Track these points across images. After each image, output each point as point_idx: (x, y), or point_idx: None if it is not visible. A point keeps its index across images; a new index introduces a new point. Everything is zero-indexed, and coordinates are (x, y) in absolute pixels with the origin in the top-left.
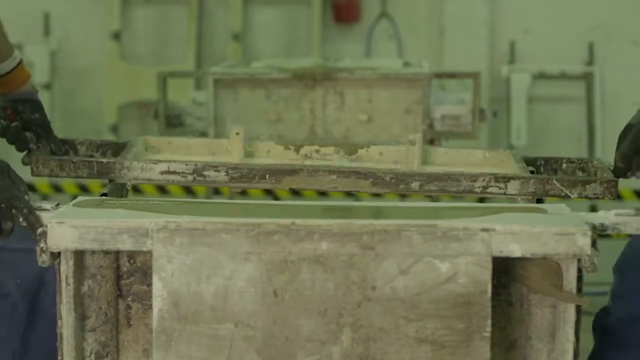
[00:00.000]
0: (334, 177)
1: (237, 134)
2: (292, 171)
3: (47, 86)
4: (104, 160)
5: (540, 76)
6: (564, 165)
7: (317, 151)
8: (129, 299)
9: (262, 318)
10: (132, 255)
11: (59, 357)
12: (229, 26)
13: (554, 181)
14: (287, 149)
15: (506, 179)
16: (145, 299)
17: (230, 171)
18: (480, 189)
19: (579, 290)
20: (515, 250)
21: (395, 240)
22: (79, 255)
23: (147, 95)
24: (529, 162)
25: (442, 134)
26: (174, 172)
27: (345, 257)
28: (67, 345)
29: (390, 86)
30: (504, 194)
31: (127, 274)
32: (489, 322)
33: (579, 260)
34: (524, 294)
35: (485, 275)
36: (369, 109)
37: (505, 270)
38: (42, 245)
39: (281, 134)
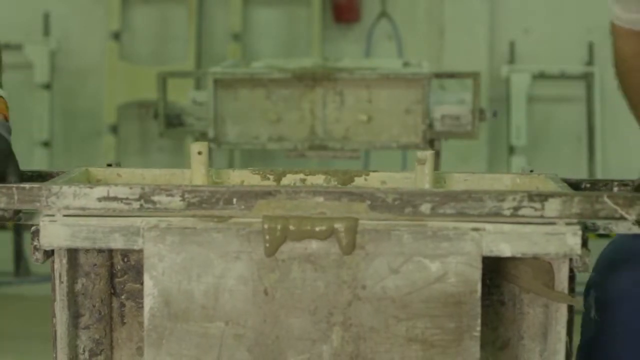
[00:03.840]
0: (321, 199)
1: (200, 153)
2: (266, 193)
3: (47, 86)
4: (27, 185)
5: (540, 76)
6: (616, 189)
7: (303, 180)
8: (122, 297)
9: (252, 316)
10: (125, 253)
11: (53, 355)
12: (229, 26)
13: (605, 198)
14: (264, 179)
15: (543, 197)
16: (139, 297)
17: (186, 195)
18: (510, 210)
19: (572, 290)
20: (505, 250)
21: (385, 240)
22: (72, 254)
23: (147, 95)
24: (571, 185)
25: (441, 134)
26: (115, 199)
27: (336, 256)
28: (60, 342)
29: (390, 86)
30: (541, 216)
31: (121, 272)
32: (479, 321)
33: (570, 260)
34: (516, 294)
35: (475, 274)
36: (368, 109)
37: (497, 270)
38: (35, 243)
39: (281, 134)
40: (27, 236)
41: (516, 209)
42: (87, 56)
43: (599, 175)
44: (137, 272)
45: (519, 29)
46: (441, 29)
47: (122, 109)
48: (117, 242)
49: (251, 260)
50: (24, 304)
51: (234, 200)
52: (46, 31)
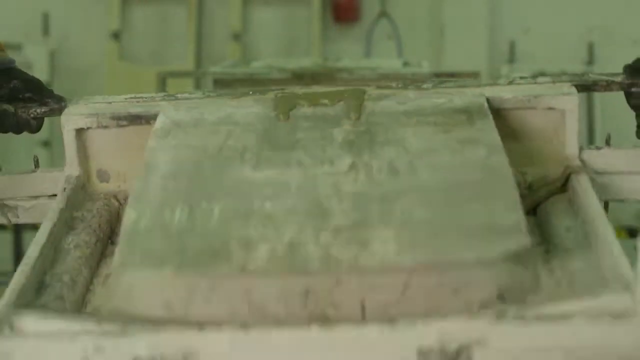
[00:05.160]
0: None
1: None
2: (279, 81)
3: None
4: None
5: (540, 76)
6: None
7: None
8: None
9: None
10: None
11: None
12: (229, 26)
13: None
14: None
15: (536, 74)
16: None
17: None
18: (506, 81)
19: None
20: (506, 93)
21: (391, 97)
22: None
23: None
24: None
25: None
26: (140, 98)
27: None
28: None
29: None
30: (535, 83)
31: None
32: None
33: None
34: None
35: (481, 99)
36: None
37: None
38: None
39: None
40: (27, 236)
41: (511, 82)
42: (87, 56)
43: None
44: None
45: (519, 28)
46: (441, 29)
47: None
48: (136, 108)
49: (264, 113)
50: None
51: (250, 91)
52: (46, 31)
